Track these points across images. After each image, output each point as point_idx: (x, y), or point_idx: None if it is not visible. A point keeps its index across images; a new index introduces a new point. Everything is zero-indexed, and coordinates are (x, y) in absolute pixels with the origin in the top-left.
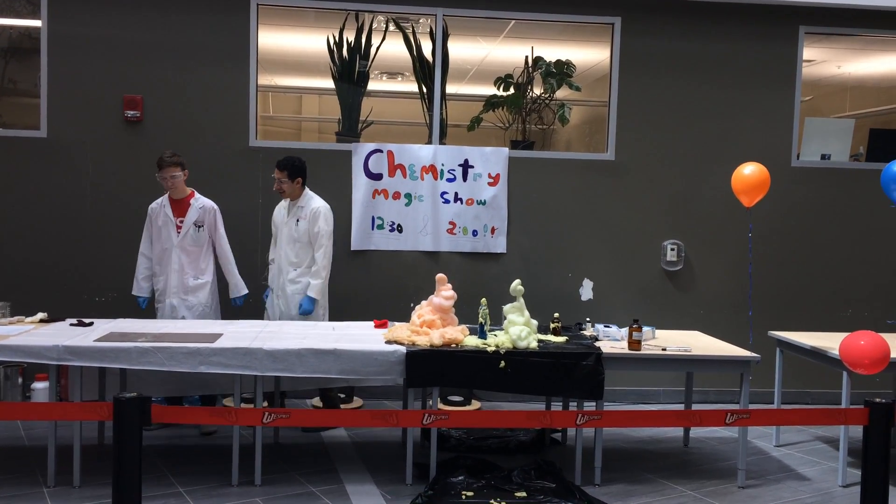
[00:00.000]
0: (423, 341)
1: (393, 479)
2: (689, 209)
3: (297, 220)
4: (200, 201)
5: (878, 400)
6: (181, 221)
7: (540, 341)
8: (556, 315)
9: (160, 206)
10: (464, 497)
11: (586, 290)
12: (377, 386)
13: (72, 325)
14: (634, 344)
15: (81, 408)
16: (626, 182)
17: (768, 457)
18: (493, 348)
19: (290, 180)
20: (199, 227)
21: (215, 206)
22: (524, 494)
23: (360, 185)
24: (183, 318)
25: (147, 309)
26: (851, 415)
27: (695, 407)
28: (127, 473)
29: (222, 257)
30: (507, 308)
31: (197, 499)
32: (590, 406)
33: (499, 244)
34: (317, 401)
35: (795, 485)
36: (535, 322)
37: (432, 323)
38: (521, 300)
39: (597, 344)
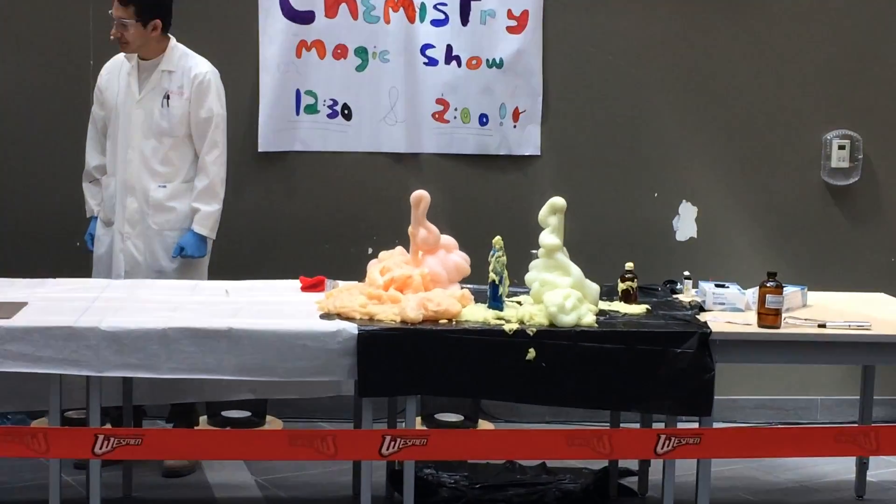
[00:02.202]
0: (387, 314)
1: None
2: (870, 79)
3: (167, 97)
4: None
5: None
6: None
7: (602, 313)
8: (630, 267)
9: None
10: None
11: (685, 222)
12: (305, 399)
13: None
14: (769, 317)
15: None
16: (756, 30)
17: None
18: (515, 326)
19: (141, 23)
20: None
21: None
22: None
23: (275, 36)
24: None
25: None
26: None
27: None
28: None
29: None
30: (538, 259)
31: None
32: (689, 426)
33: (527, 140)
34: None
35: None
36: (593, 285)
37: (405, 282)
38: (563, 254)
39: (702, 317)
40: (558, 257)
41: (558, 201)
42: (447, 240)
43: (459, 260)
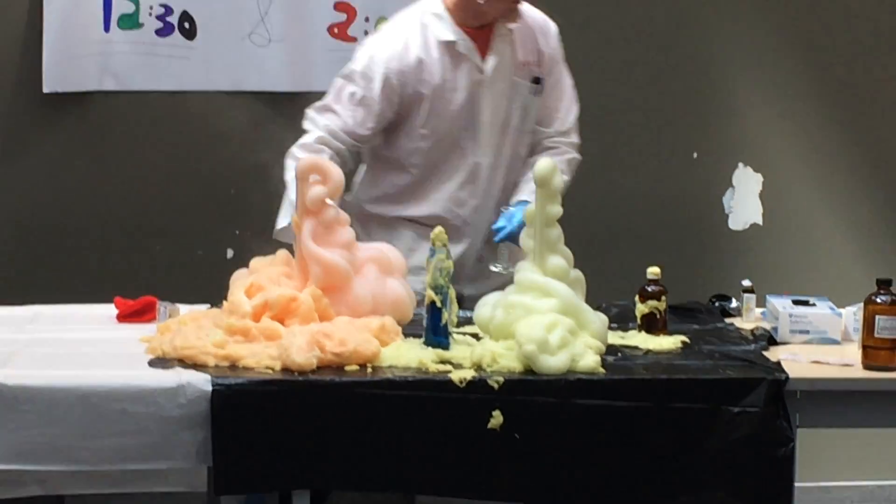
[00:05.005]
0: (260, 359)
1: None
2: None
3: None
4: None
5: None
6: None
7: (611, 351)
8: (655, 275)
9: None
10: None
11: (743, 200)
12: (128, 495)
13: None
14: (881, 352)
15: None
16: None
17: None
18: (471, 373)
19: None
20: None
21: None
22: None
23: None
24: None
25: None
26: None
27: None
28: None
29: None
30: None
31: None
32: None
33: None
34: None
35: None
36: (597, 314)
37: (286, 307)
38: (554, 263)
39: (772, 354)
40: (530, 276)
41: (542, 168)
42: (386, 252)
43: (401, 291)
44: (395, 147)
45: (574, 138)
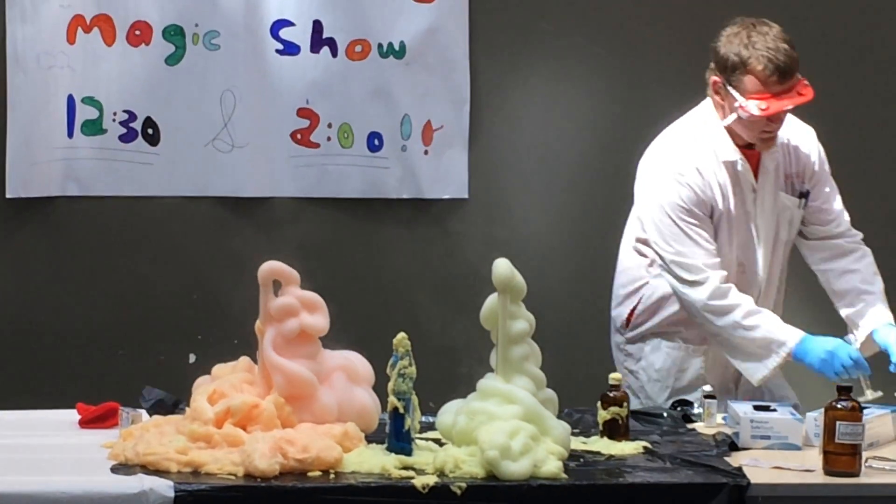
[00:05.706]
0: (223, 465)
1: None
2: None
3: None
4: None
5: None
6: None
7: (573, 457)
8: (616, 380)
9: None
10: None
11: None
12: None
13: None
14: (841, 458)
15: None
16: None
17: None
18: (433, 479)
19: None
20: None
21: None
22: None
23: (32, 9)
24: None
25: None
26: None
27: None
28: None
29: None
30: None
31: None
32: None
33: (446, 175)
34: None
35: None
36: (560, 423)
37: (248, 414)
38: (528, 346)
39: (733, 460)
40: (492, 384)
41: (499, 269)
42: (353, 360)
43: (367, 400)
44: None
45: (859, 234)
